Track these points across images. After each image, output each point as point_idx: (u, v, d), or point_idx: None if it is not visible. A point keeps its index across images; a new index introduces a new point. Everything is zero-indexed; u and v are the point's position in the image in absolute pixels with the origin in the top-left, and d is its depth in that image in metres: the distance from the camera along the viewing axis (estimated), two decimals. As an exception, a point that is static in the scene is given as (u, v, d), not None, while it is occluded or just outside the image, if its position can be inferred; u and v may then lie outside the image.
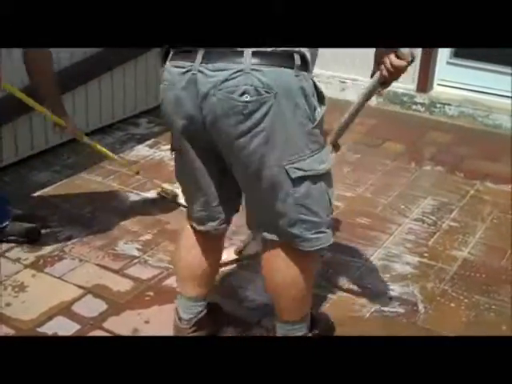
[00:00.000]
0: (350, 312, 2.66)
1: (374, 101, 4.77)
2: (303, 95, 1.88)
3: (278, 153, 1.90)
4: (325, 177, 2.01)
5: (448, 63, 4.67)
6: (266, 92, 1.83)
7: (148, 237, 3.09)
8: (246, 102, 1.83)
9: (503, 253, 3.10)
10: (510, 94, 4.48)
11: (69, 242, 3.02)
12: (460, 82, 4.64)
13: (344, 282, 2.84)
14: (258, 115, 1.85)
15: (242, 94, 1.83)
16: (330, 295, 2.75)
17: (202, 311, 2.37)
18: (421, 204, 3.51)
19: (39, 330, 2.48)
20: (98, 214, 3.27)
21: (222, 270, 2.79)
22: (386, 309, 2.69)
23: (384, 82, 2.19)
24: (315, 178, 1.98)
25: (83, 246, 3.01)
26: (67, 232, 3.09)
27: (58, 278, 2.78)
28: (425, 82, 4.65)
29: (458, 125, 4.52)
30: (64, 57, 3.66)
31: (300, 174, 1.94)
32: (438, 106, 4.60)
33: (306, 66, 1.89)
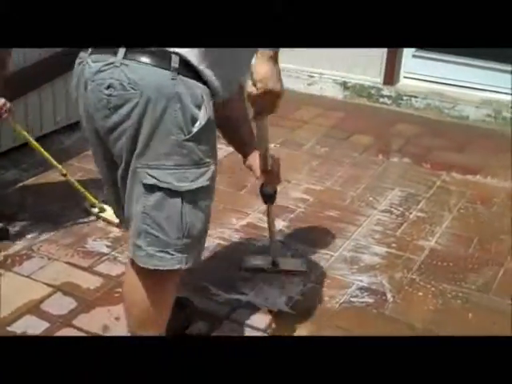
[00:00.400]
0: (320, 303, 2.68)
1: (340, 94, 4.82)
2: (178, 101, 1.75)
3: (140, 154, 1.80)
4: (185, 196, 1.84)
5: (414, 56, 4.72)
6: (132, 89, 1.74)
7: (117, 233, 3.08)
8: (110, 95, 1.76)
9: (470, 242, 3.15)
10: (475, 86, 4.54)
11: (37, 241, 3.01)
12: (426, 75, 4.70)
13: (313, 273, 2.86)
14: (123, 111, 1.76)
15: (108, 87, 1.76)
16: (299, 287, 2.77)
17: None
18: (388, 195, 3.55)
19: (9, 329, 2.47)
20: (67, 212, 3.26)
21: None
22: (355, 299, 2.71)
23: (256, 112, 2.14)
24: (171, 193, 1.82)
25: (51, 244, 2.99)
26: (35, 230, 3.08)
27: (27, 276, 2.76)
28: (391, 75, 4.69)
29: (425, 117, 4.57)
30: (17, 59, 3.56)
31: (152, 182, 1.81)
32: (405, 98, 4.65)
33: (191, 71, 1.78)
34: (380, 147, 4.14)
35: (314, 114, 4.55)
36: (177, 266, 1.90)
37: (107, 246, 2.99)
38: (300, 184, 3.62)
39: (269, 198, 2.57)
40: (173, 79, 1.75)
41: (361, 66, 4.63)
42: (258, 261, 2.90)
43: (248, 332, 2.51)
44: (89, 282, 2.75)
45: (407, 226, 3.27)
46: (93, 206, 3.21)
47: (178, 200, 1.83)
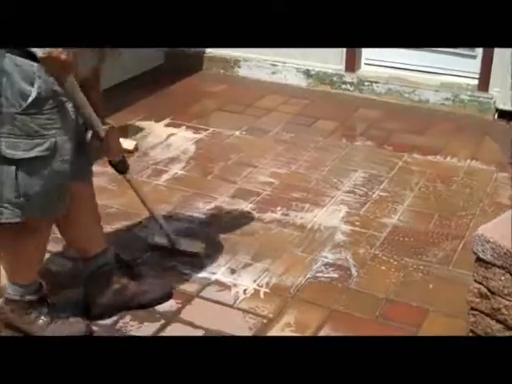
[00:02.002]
0: (286, 280, 2.77)
1: (304, 82, 4.91)
2: (6, 78, 1.97)
3: None
4: (19, 163, 2.06)
5: (374, 43, 4.81)
6: None
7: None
8: None
9: (430, 218, 3.26)
10: (434, 70, 4.67)
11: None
12: (386, 61, 4.80)
13: (280, 251, 2.96)
14: None
15: None
16: (267, 265, 2.86)
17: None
18: (352, 177, 3.65)
19: None
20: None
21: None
22: (320, 274, 2.81)
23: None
24: (5, 160, 2.05)
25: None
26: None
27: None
28: (352, 62, 4.79)
29: (387, 101, 4.68)
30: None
31: None
32: (367, 84, 4.76)
33: (23, 51, 1.96)
34: (344, 132, 4.24)
35: (279, 102, 4.63)
36: (12, 220, 2.13)
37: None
38: (265, 168, 3.71)
39: (115, 167, 2.57)
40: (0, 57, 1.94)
41: (323, 54, 4.72)
42: (160, 239, 2.94)
43: (217, 308, 2.60)
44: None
45: (370, 205, 3.38)
46: None
47: (13, 166, 2.06)
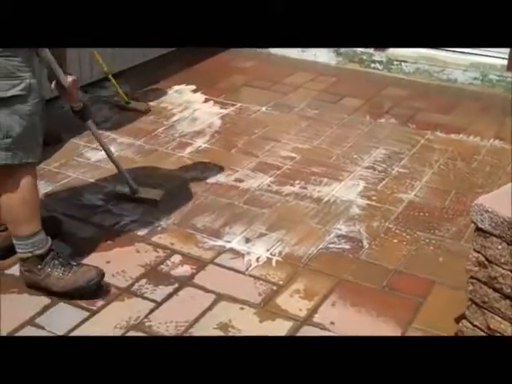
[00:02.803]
0: (298, 249, 2.85)
1: (334, 60, 4.95)
2: None
3: None
4: (0, 103, 2.25)
5: (405, 22, 4.82)
6: None
7: (110, 188, 3.26)
8: None
9: (447, 195, 3.30)
10: (463, 50, 4.66)
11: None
12: (416, 40, 4.80)
13: (295, 223, 3.03)
14: None
15: None
16: (281, 236, 2.94)
17: None
18: (373, 153, 3.70)
19: (7, 272, 2.66)
20: (64, 170, 3.43)
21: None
22: (332, 245, 2.88)
23: None
24: None
25: (49, 197, 3.18)
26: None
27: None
28: (382, 41, 4.81)
29: (415, 80, 4.70)
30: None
31: None
32: (395, 63, 4.78)
33: None
34: (369, 109, 4.28)
35: (307, 79, 4.69)
36: (1, 162, 2.33)
37: (101, 199, 3.18)
38: (288, 143, 3.78)
39: (77, 114, 2.84)
40: None
41: (353, 32, 4.74)
42: (121, 188, 3.19)
43: (229, 274, 2.69)
44: (83, 231, 2.94)
45: (388, 180, 3.42)
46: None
47: None
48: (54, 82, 2.65)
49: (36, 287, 2.56)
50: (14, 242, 2.52)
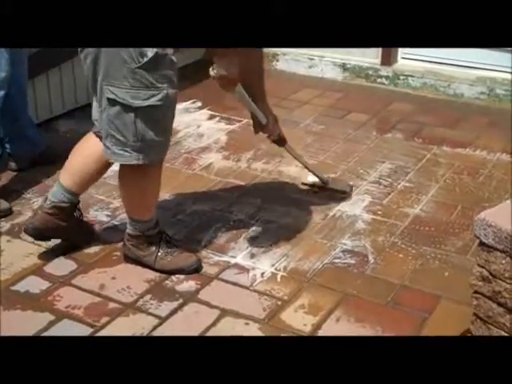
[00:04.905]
0: (303, 264, 2.85)
1: (340, 76, 4.96)
2: None
3: (103, 73, 2.40)
4: (138, 110, 2.42)
5: (411, 37, 4.82)
6: None
7: (116, 204, 3.27)
8: None
9: (453, 209, 3.29)
10: (470, 64, 4.66)
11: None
12: (423, 55, 4.82)
13: (300, 238, 3.03)
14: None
15: None
16: (286, 251, 2.94)
17: (65, 202, 2.78)
18: (378, 168, 3.70)
19: (12, 288, 2.67)
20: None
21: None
22: (337, 260, 2.88)
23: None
24: (127, 108, 2.42)
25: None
26: (41, 201, 3.26)
27: (31, 242, 2.95)
28: (389, 56, 4.82)
29: (421, 95, 4.70)
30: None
31: (112, 96, 2.41)
32: (402, 78, 4.78)
33: None
34: (375, 124, 4.28)
35: (313, 95, 4.70)
36: (134, 162, 2.52)
37: (107, 216, 3.18)
38: (293, 159, 3.77)
39: (277, 143, 3.24)
40: None
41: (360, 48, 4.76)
42: (314, 179, 3.45)
43: (234, 290, 2.69)
44: (89, 246, 2.94)
45: (394, 195, 3.42)
46: None
47: (133, 113, 2.43)
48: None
49: (135, 261, 2.79)
50: (129, 221, 2.75)
